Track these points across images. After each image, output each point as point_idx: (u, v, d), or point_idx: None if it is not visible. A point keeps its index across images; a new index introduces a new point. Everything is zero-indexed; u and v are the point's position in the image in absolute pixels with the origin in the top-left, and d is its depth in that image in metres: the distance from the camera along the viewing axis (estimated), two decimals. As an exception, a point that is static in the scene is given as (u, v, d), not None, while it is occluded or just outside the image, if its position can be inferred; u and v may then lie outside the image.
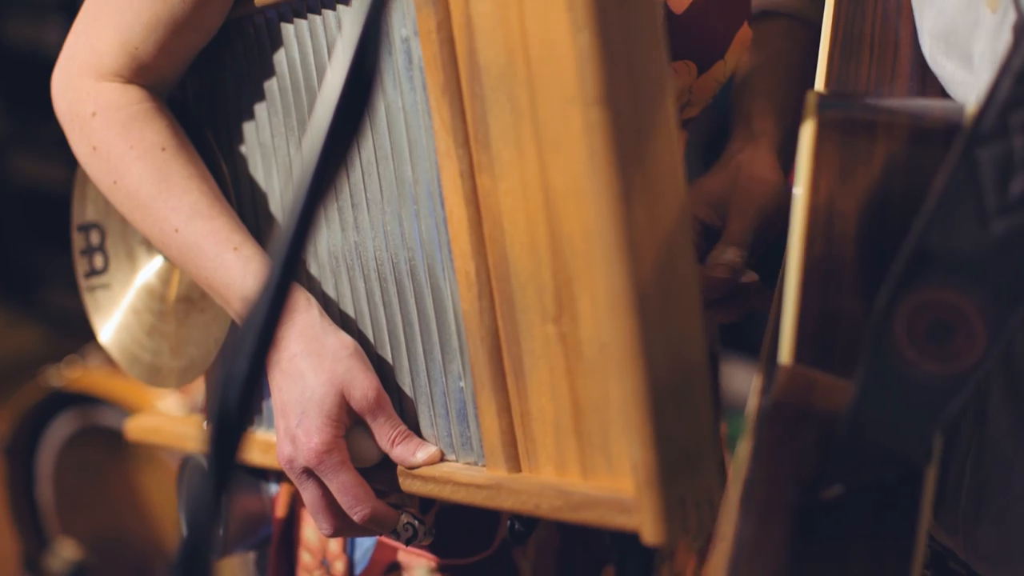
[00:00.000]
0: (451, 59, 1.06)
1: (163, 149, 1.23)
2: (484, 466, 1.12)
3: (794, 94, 1.32)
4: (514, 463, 1.10)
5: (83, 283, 1.42)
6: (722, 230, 1.25)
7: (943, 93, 1.04)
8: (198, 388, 1.49)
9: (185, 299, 1.36)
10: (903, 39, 1.07)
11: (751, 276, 1.22)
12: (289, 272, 0.76)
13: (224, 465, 0.75)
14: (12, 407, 2.71)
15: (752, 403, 0.97)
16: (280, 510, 1.36)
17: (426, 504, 1.25)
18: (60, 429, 2.68)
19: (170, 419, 1.52)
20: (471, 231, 1.08)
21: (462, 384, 1.13)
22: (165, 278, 1.39)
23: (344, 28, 0.97)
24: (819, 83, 1.06)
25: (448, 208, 1.09)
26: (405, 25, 1.10)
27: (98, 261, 1.42)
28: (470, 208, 1.07)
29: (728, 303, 1.24)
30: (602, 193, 0.94)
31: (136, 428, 1.54)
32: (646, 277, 0.94)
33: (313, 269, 1.24)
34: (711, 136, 1.62)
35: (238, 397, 0.75)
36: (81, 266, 1.42)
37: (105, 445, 2.60)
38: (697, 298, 0.97)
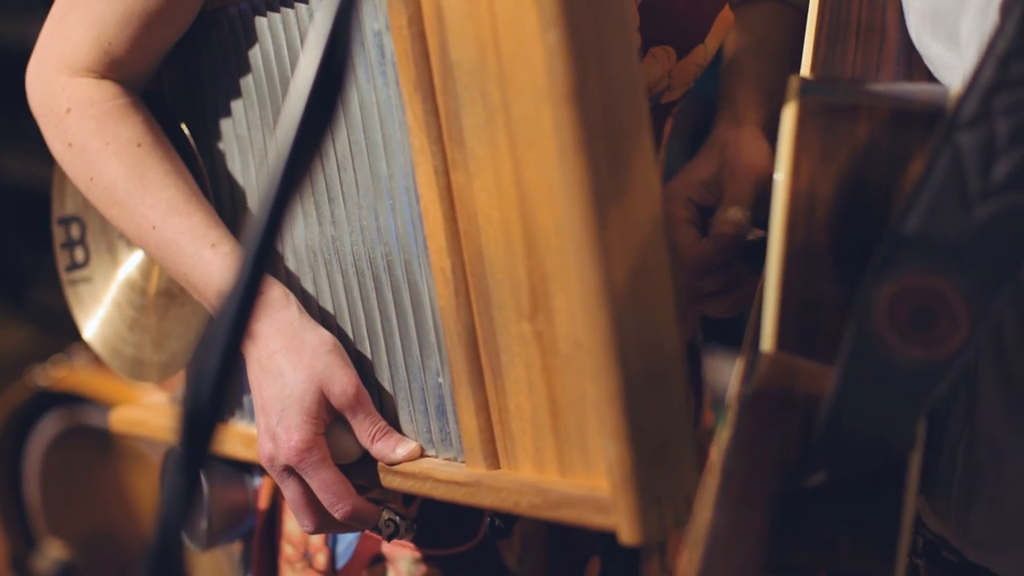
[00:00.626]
0: (423, 55, 1.05)
1: (139, 145, 1.22)
2: (463, 462, 1.12)
3: (783, 79, 1.30)
4: (493, 460, 1.09)
5: (64, 277, 1.42)
6: (717, 205, 1.24)
7: (930, 78, 1.03)
8: (180, 384, 1.48)
9: (165, 293, 1.35)
10: (890, 23, 1.07)
11: (757, 232, 1.21)
12: (261, 265, 0.75)
13: (195, 461, 0.74)
14: (-2, 406, 2.70)
15: (733, 390, 0.96)
16: (262, 502, 1.36)
17: (408, 496, 1.24)
18: (47, 429, 2.66)
19: (154, 411, 1.51)
20: (446, 228, 1.07)
21: (440, 380, 1.12)
22: (146, 272, 1.38)
23: (315, 20, 0.96)
24: (805, 68, 1.05)
25: (423, 204, 1.09)
26: (377, 19, 1.09)
27: (79, 255, 1.41)
28: (445, 205, 1.07)
29: (727, 292, 1.23)
30: (574, 190, 0.93)
31: (120, 420, 1.53)
32: (620, 274, 0.93)
33: (291, 263, 1.23)
34: (698, 124, 1.60)
35: (209, 392, 0.74)
36: (62, 260, 1.41)
37: (92, 444, 2.59)
38: (671, 294, 0.96)
